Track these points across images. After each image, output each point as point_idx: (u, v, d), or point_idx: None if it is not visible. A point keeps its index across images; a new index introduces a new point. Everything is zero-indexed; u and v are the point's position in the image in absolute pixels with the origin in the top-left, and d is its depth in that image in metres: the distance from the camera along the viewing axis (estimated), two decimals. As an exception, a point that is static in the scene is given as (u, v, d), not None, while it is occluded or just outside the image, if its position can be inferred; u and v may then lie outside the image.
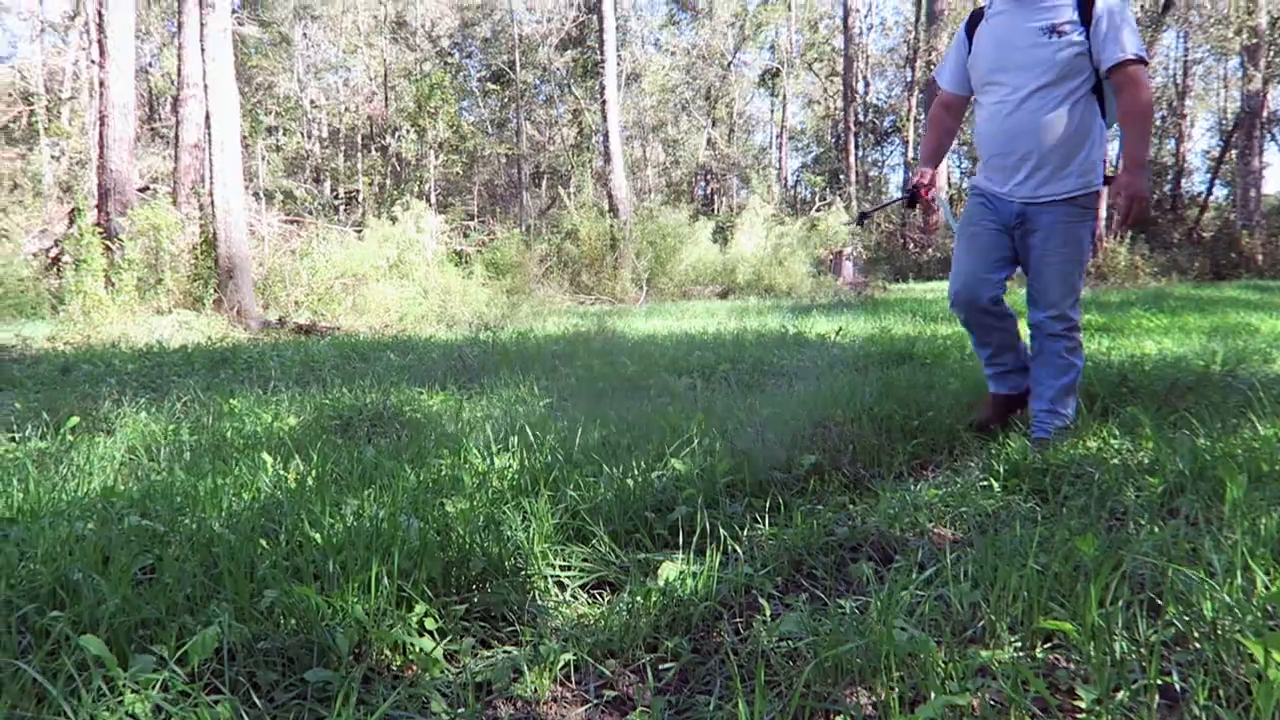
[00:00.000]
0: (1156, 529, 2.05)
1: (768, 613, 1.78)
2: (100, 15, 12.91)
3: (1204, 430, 2.94)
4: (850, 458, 2.83)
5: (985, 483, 2.60)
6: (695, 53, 32.94)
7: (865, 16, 32.47)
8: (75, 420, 3.65)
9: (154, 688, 1.41)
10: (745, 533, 2.23)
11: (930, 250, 21.82)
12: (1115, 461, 2.69)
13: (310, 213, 22.44)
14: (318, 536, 2.03)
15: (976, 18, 3.23)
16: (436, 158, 28.97)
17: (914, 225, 24.49)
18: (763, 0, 35.28)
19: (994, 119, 3.13)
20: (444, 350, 6.27)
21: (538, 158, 33.69)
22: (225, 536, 2.02)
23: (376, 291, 12.18)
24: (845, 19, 27.55)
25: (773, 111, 38.22)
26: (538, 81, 33.88)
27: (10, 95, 25.87)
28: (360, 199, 29.29)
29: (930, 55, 23.35)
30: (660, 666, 1.63)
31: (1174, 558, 1.80)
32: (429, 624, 1.71)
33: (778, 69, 33.76)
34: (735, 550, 2.03)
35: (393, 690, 1.53)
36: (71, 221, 15.82)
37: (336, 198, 30.59)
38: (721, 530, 2.08)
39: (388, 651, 1.64)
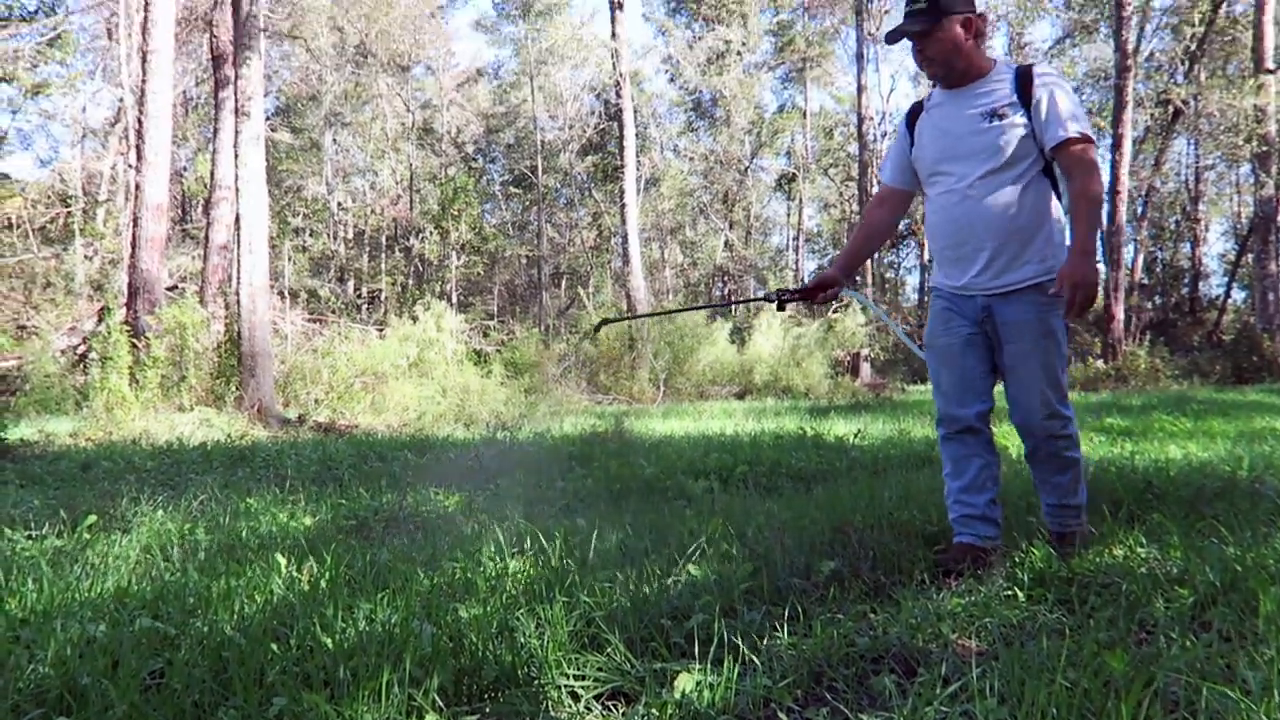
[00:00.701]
0: (1188, 643, 1.99)
1: (787, 728, 1.73)
2: (140, 122, 13.43)
3: (1233, 539, 2.87)
4: (870, 564, 2.78)
5: (1009, 592, 2.54)
6: (713, 158, 33.79)
7: (879, 124, 33.34)
8: (93, 518, 3.65)
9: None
10: (764, 642, 2.18)
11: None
12: (1143, 571, 2.63)
13: (333, 311, 22.80)
14: (329, 641, 2.00)
15: (916, 111, 3.10)
16: (458, 258, 29.55)
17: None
18: (779, 108, 36.36)
19: (943, 210, 2.96)
20: (461, 450, 6.28)
21: (558, 259, 34.30)
22: (236, 640, 1.99)
23: (396, 390, 12.28)
24: (859, 126, 28.29)
25: (789, 214, 38.95)
26: (559, 185, 34.79)
27: (49, 198, 26.74)
28: (383, 298, 29.79)
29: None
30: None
31: (1208, 675, 1.74)
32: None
33: (794, 173, 34.52)
34: (753, 661, 1.98)
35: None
36: (100, 319, 16.13)
37: (360, 297, 31.11)
38: (739, 640, 2.04)
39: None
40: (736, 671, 1.91)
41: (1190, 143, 31.06)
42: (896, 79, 64.49)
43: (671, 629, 2.22)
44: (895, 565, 2.85)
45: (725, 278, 35.35)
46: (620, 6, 20.36)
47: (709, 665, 1.95)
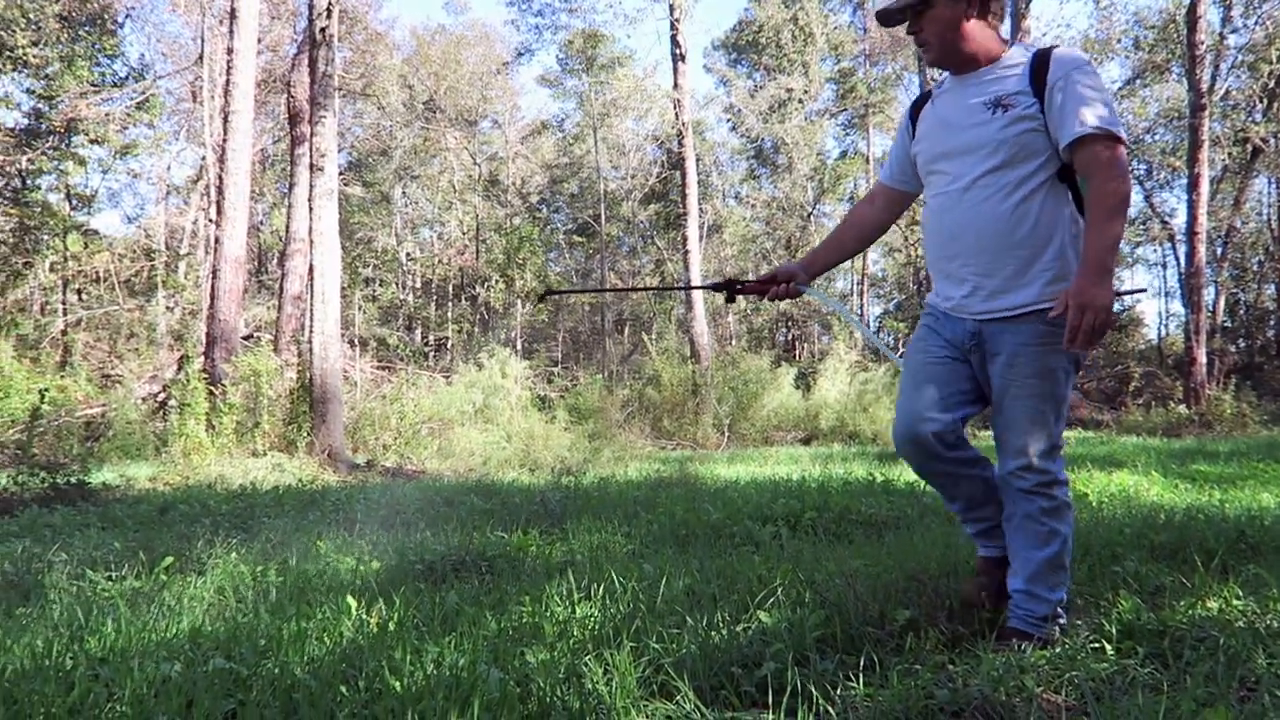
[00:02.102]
0: (1295, 700, 1.87)
1: (865, 782, 1.66)
2: (220, 179, 13.97)
3: (1337, 591, 2.71)
4: (947, 614, 2.69)
5: (1096, 644, 2.42)
6: (775, 204, 33.84)
7: (943, 168, 33.06)
8: (169, 560, 3.73)
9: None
10: (838, 692, 2.11)
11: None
12: (1241, 624, 2.49)
13: (402, 359, 23.24)
14: (397, 684, 1.99)
15: (923, 100, 2.71)
16: (523, 306, 29.94)
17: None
18: (841, 154, 36.34)
19: (936, 215, 2.56)
20: (527, 494, 6.29)
21: (621, 306, 34.53)
22: (306, 682, 2.00)
23: (462, 435, 12.40)
24: (923, 171, 28.13)
25: (854, 260, 38.67)
26: (622, 234, 35.16)
27: (135, 252, 27.90)
28: (449, 345, 30.29)
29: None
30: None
31: (1319, 734, 1.63)
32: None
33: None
34: (828, 711, 1.91)
35: None
36: (180, 368, 16.67)
37: (427, 344, 31.68)
38: (813, 689, 1.97)
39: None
40: (811, 722, 1.85)
41: (1271, 181, 30.16)
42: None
43: (742, 677, 2.17)
44: (973, 615, 2.75)
45: (789, 323, 35.17)
46: (683, 58, 20.66)
47: (782, 715, 1.89)
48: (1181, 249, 24.49)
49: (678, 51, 20.69)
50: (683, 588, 2.91)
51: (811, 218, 34.46)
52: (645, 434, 16.16)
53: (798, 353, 33.06)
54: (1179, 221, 27.28)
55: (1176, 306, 38.98)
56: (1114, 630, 2.48)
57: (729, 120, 33.41)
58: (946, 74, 2.62)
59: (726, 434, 16.24)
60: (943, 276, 2.58)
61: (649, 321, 31.30)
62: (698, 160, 20.95)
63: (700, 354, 18.79)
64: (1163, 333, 33.08)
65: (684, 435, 16.27)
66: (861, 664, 2.29)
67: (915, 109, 2.71)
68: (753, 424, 16.79)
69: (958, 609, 2.75)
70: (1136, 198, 26.95)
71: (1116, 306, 2.72)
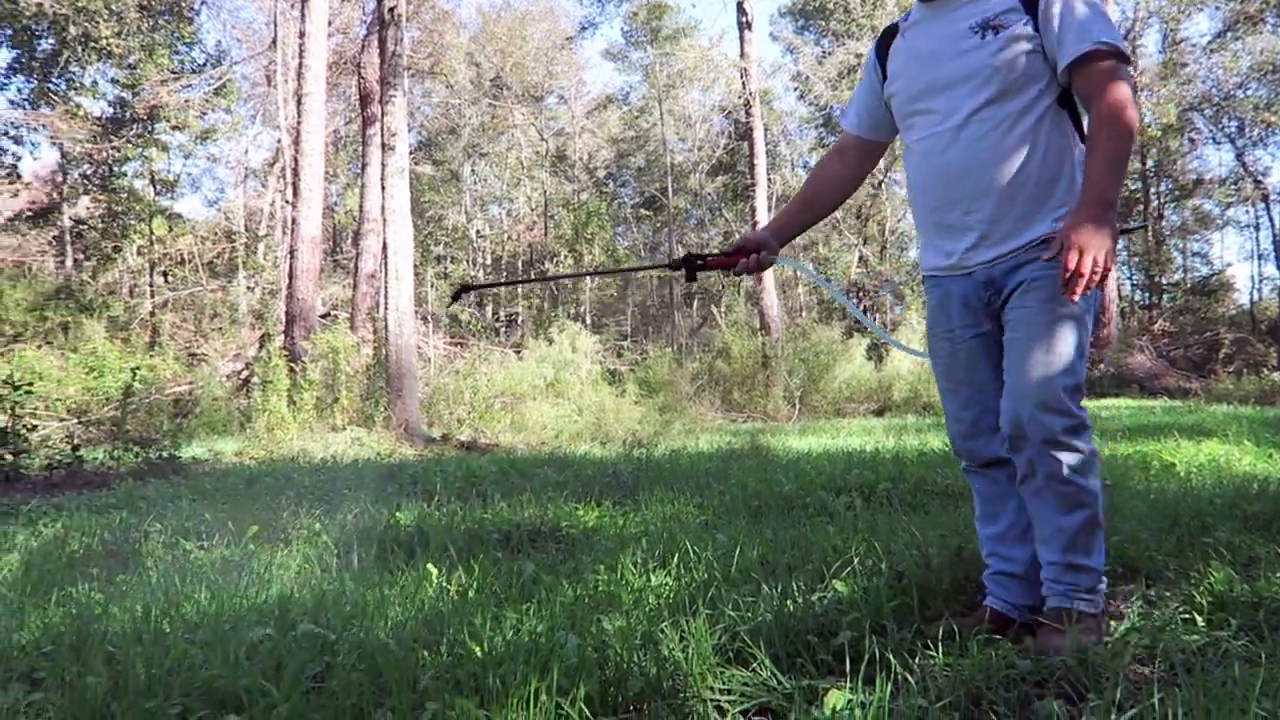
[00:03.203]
0: (1403, 674, 1.79)
1: (946, 751, 1.64)
2: (295, 161, 14.29)
3: None
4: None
5: (1186, 615, 2.35)
6: (845, 173, 33.24)
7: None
8: (256, 530, 3.87)
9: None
10: (916, 661, 2.09)
11: (1102, 365, 20.71)
12: (1342, 595, 2.39)
13: (473, 335, 23.58)
14: (478, 650, 2.03)
15: (889, 35, 2.40)
16: (592, 281, 30.08)
17: (1082, 339, 23.39)
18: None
19: (925, 161, 2.27)
20: (599, 467, 6.34)
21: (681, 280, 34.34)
22: (390, 646, 2.05)
23: (534, 409, 12.55)
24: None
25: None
26: (689, 206, 34.98)
27: (216, 235, 28.77)
28: (519, 321, 30.60)
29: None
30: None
31: None
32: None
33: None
34: (907, 680, 1.89)
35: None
36: (261, 346, 17.19)
37: (497, 320, 32.06)
38: (891, 658, 1.96)
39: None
40: (889, 690, 1.83)
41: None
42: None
43: (818, 645, 2.16)
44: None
45: (860, 293, 34.67)
46: (749, 26, 20.37)
47: (860, 683, 1.88)
48: (1276, 209, 23.39)
49: (744, 20, 20.40)
50: (756, 557, 2.91)
51: (882, 185, 33.83)
52: (715, 407, 16.14)
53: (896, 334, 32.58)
54: (1273, 180, 26.04)
55: (1270, 270, 37.25)
56: (1205, 601, 2.41)
57: (796, 88, 32.86)
58: (913, 6, 2.35)
59: (797, 406, 16.12)
60: (939, 230, 2.28)
61: (718, 294, 31.17)
62: (765, 130, 20.70)
63: (770, 326, 18.65)
64: (1255, 297, 31.68)
65: (754, 408, 16.21)
66: (940, 634, 2.26)
67: (882, 47, 2.41)
68: (824, 396, 16.64)
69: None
70: (1227, 156, 25.75)
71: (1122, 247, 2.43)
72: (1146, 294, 32.10)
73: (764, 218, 19.79)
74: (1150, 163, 29.68)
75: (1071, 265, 1.95)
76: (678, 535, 3.40)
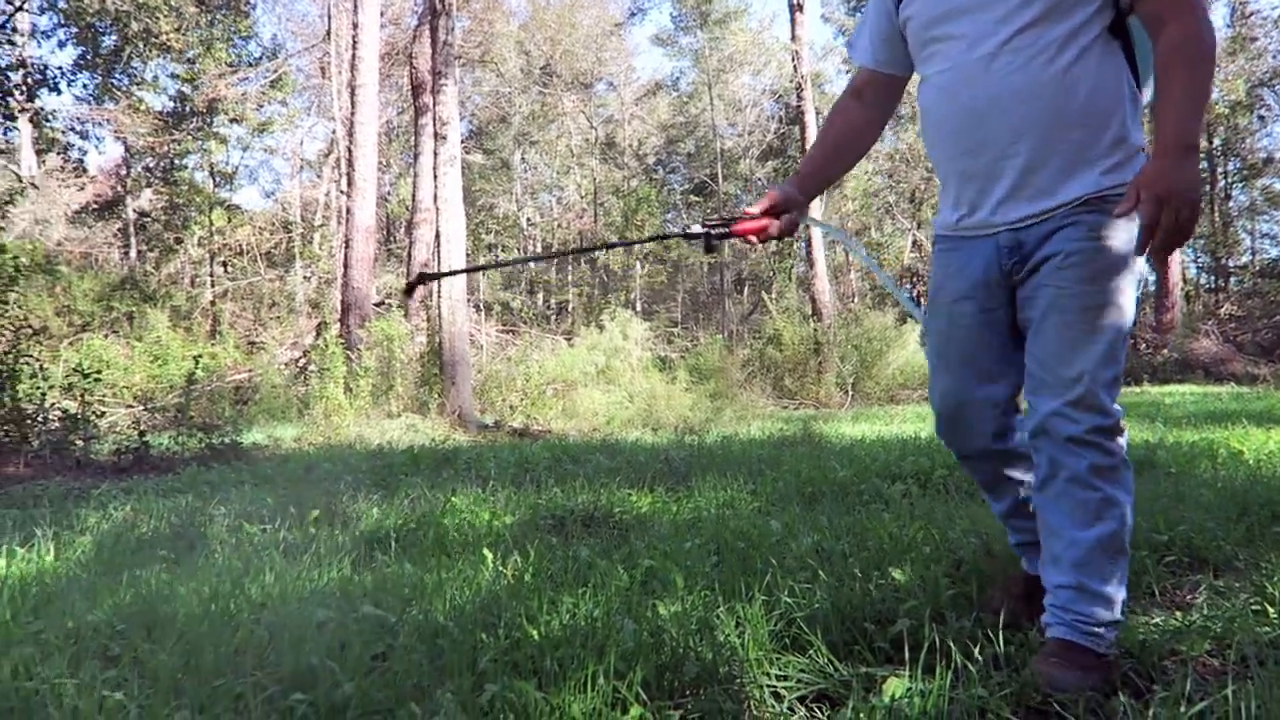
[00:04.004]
0: None
1: (1008, 741, 1.62)
2: (350, 151, 14.48)
3: None
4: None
5: (1257, 607, 2.29)
6: (898, 157, 32.78)
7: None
8: (316, 513, 3.94)
9: (385, 774, 1.44)
10: (976, 650, 2.06)
11: (1166, 350, 20.18)
12: None
13: (525, 322, 23.75)
14: (535, 633, 2.05)
15: None
16: (642, 268, 30.10)
17: (1145, 324, 22.80)
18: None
19: (949, 97, 1.92)
20: (650, 453, 6.35)
21: (740, 265, 34.26)
22: (449, 628, 2.08)
23: (585, 396, 12.61)
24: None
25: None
26: (739, 192, 34.75)
27: (273, 225, 29.33)
28: (570, 308, 30.73)
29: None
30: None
31: None
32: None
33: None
34: (967, 669, 1.87)
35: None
36: (318, 334, 17.50)
37: (548, 308, 32.25)
38: (951, 645, 1.93)
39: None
40: (949, 679, 1.81)
41: None
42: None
43: (875, 633, 2.14)
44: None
45: (914, 279, 34.19)
46: (800, 8, 20.12)
47: (919, 672, 1.86)
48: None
49: (795, 2, 20.15)
50: (811, 544, 2.89)
51: (932, 170, 33.23)
52: (766, 394, 16.06)
53: (923, 309, 32.10)
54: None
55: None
56: (1277, 593, 2.34)
57: (848, 71, 32.44)
58: None
59: (850, 393, 15.97)
60: (963, 180, 1.94)
61: (768, 281, 30.97)
62: (816, 113, 20.43)
63: (822, 312, 18.48)
64: (1329, 279, 30.57)
65: (806, 394, 16.10)
66: (1000, 623, 2.23)
67: None
68: (877, 383, 16.46)
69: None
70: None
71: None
72: (1212, 277, 31.20)
73: (815, 204, 19.57)
74: (1217, 141, 28.77)
75: (1154, 219, 1.61)
76: (731, 521, 3.39)
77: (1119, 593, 1.85)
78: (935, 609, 2.26)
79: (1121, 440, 1.85)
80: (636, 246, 27.88)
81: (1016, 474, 2.12)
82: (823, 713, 1.83)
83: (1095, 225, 1.80)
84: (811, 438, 7.20)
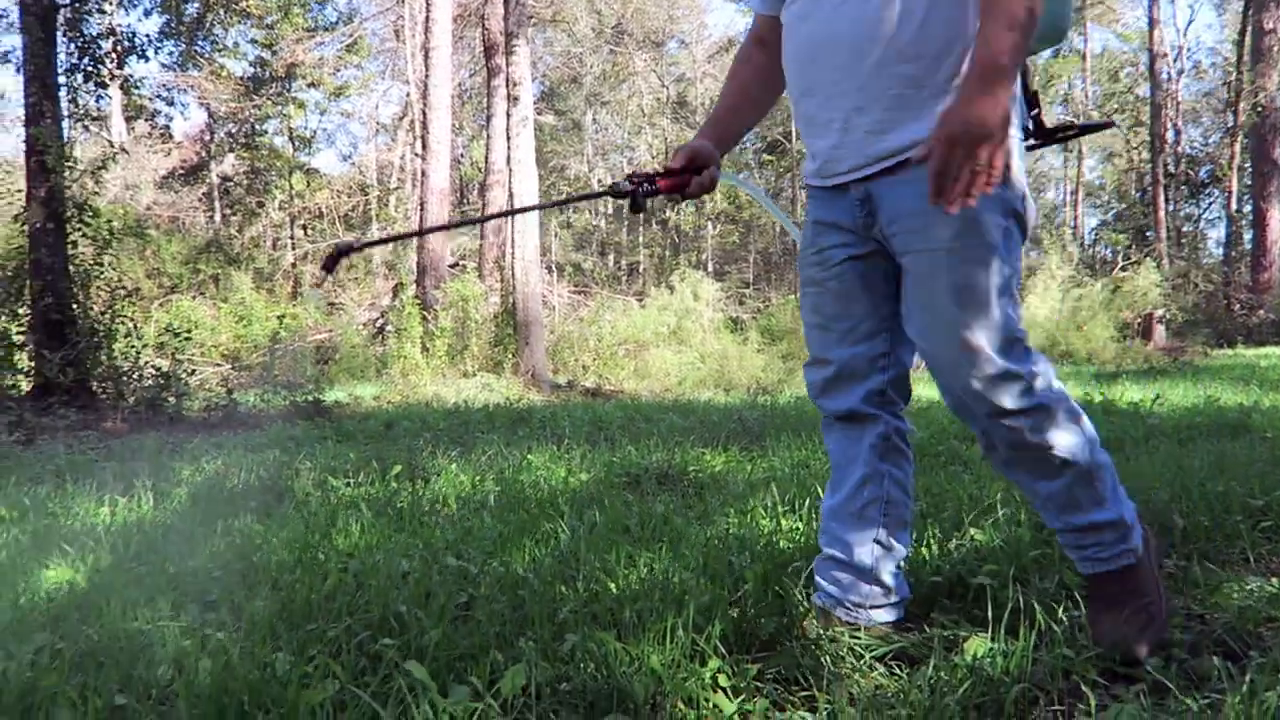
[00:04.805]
0: None
1: (1093, 703, 1.59)
2: (424, 114, 14.62)
3: None
4: (1180, 538, 2.51)
5: (1359, 574, 2.20)
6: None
7: (1175, 61, 29.83)
8: (399, 469, 4.05)
9: (472, 717, 1.49)
10: (1060, 613, 2.03)
11: (1263, 311, 19.32)
12: None
13: (596, 283, 23.83)
14: (613, 586, 2.08)
15: None
16: (714, 228, 29.87)
17: (1239, 284, 21.84)
18: (1054, 53, 33.53)
19: (789, 36, 1.80)
20: (723, 413, 6.35)
21: (814, 225, 33.72)
22: (530, 580, 2.13)
23: (657, 357, 12.63)
24: (1151, 65, 25.48)
25: (1066, 167, 35.95)
26: (813, 150, 34.13)
27: (350, 188, 29.87)
28: (641, 270, 30.72)
29: (1257, 96, 20.96)
30: (970, 750, 1.50)
31: None
32: (722, 681, 1.68)
33: (1072, 123, 31.69)
34: (1052, 630, 1.84)
35: (688, 745, 1.52)
36: (395, 295, 17.84)
37: (619, 269, 32.28)
38: (1036, 607, 1.90)
39: (682, 705, 1.63)
40: (1032, 640, 1.78)
41: None
42: (1196, 8, 57.64)
43: (955, 593, 2.12)
44: (1207, 540, 2.56)
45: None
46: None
47: (1002, 631, 1.84)
48: None
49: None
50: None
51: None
52: (840, 355, 15.88)
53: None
54: None
55: None
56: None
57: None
58: None
59: (925, 354, 15.71)
60: (807, 125, 1.80)
61: (842, 240, 30.44)
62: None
63: (897, 272, 18.14)
64: None
65: (881, 356, 15.87)
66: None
67: None
68: (953, 344, 16.14)
69: (1190, 534, 2.57)
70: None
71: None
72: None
73: (892, 160, 19.09)
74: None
75: (941, 161, 1.45)
76: (807, 480, 3.38)
77: (1114, 508, 1.77)
78: (1017, 571, 2.22)
79: (1040, 384, 1.67)
80: (709, 207, 27.65)
81: (872, 464, 1.91)
82: (902, 671, 1.82)
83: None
84: (887, 399, 7.10)
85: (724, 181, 2.03)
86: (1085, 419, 1.75)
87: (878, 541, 1.90)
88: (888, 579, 1.92)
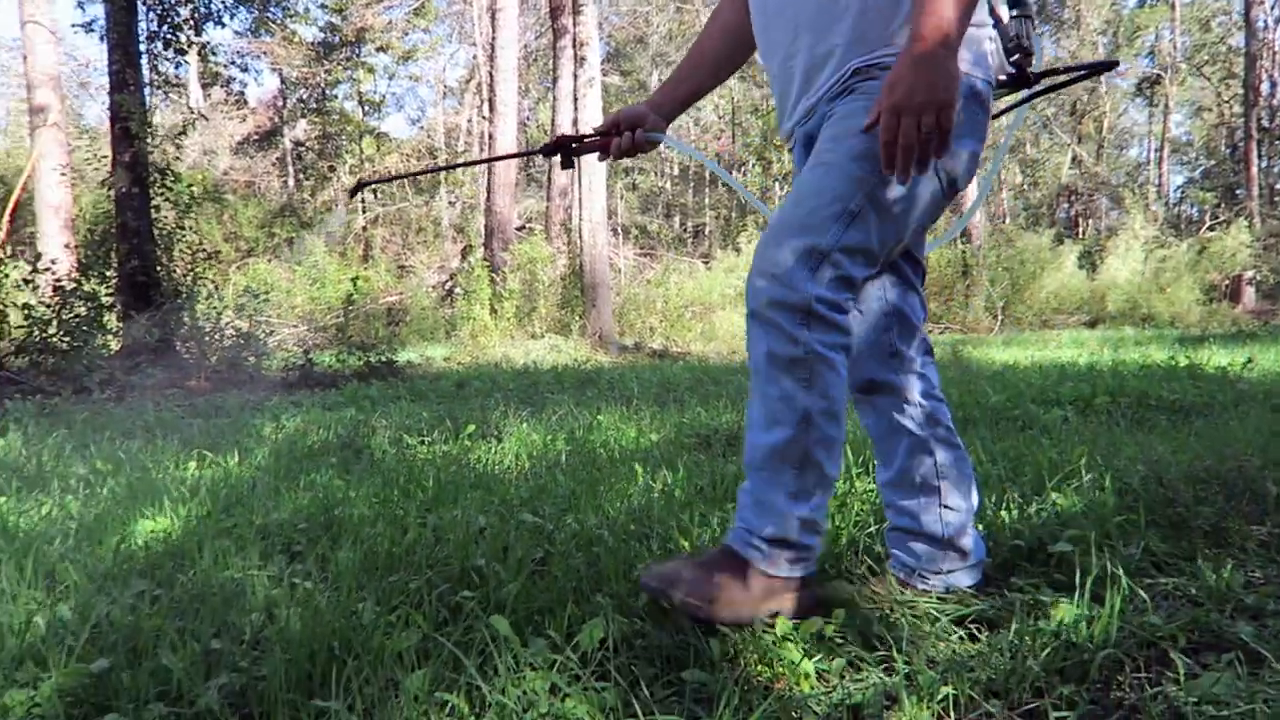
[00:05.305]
0: None
1: (1181, 671, 1.56)
2: (491, 76, 14.64)
3: None
4: (1274, 505, 2.42)
5: None
6: (1058, 65, 30.65)
7: (1273, 8, 28.28)
8: (471, 428, 4.11)
9: (551, 668, 1.51)
10: (1145, 580, 1.98)
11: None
12: None
13: (662, 246, 23.75)
14: (686, 543, 2.09)
15: None
16: (780, 189, 29.44)
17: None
18: (1140, 2, 32.09)
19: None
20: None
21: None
22: (604, 537, 2.15)
23: (723, 319, 12.58)
24: (1246, 13, 24.22)
25: (1151, 123, 34.53)
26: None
27: (419, 151, 30.15)
28: (707, 232, 30.51)
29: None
30: (1053, 715, 1.48)
31: None
32: (793, 639, 1.68)
33: (1158, 75, 30.44)
34: (1140, 597, 1.80)
35: (764, 700, 1.53)
36: (463, 257, 18.04)
37: (685, 231, 32.11)
38: (1121, 572, 1.86)
39: (756, 662, 1.64)
40: (1119, 606, 1.74)
41: None
42: (1295, -49, 54.44)
43: (1035, 558, 2.08)
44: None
45: (1072, 197, 32.24)
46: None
47: (1087, 596, 1.80)
48: None
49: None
50: (965, 467, 2.81)
51: (1102, 78, 30.94)
52: (910, 317, 15.64)
53: (1081, 230, 30.32)
54: None
55: None
56: None
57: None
58: None
59: (999, 317, 15.35)
60: (774, 85, 1.76)
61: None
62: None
63: (971, 233, 17.71)
64: None
65: (952, 318, 15.57)
66: (1177, 554, 2.13)
67: None
68: (1028, 307, 15.75)
69: (1275, 506, 2.47)
70: None
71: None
72: None
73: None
74: None
75: (887, 132, 1.41)
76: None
77: (795, 508, 1.60)
78: (1101, 537, 2.17)
79: (817, 332, 1.52)
80: (775, 168, 27.28)
81: (914, 432, 1.83)
82: (981, 635, 1.80)
83: (866, 93, 1.55)
84: (960, 362, 6.97)
85: (665, 146, 2.05)
86: (839, 414, 1.59)
87: (946, 506, 1.84)
88: (963, 542, 1.86)
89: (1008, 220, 28.00)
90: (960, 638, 1.78)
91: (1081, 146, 31.74)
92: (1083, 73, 1.88)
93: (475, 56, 23.15)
